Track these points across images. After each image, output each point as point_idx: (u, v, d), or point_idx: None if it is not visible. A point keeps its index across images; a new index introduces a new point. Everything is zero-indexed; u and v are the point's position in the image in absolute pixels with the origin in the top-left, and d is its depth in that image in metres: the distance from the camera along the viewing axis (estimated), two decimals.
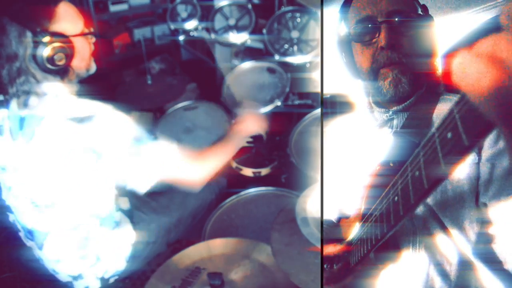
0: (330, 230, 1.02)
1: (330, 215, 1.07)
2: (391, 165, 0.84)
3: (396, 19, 0.87)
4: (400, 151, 0.87)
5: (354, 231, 0.90)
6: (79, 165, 1.17)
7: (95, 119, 1.15)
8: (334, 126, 1.11)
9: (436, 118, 0.89)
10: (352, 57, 0.96)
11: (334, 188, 1.06)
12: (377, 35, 0.88)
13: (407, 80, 0.89)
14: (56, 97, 1.18)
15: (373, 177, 0.88)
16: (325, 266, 0.94)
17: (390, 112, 0.95)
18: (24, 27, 1.12)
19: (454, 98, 0.89)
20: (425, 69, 0.91)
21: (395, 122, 0.95)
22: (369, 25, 0.89)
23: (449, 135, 0.43)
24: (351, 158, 1.03)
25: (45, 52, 1.14)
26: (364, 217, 0.82)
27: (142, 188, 1.25)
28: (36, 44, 1.13)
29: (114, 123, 1.18)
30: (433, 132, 0.47)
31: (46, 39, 1.13)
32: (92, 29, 1.26)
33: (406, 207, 0.58)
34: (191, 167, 1.29)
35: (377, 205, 0.73)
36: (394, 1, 0.89)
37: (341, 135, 1.09)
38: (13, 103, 1.19)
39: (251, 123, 1.54)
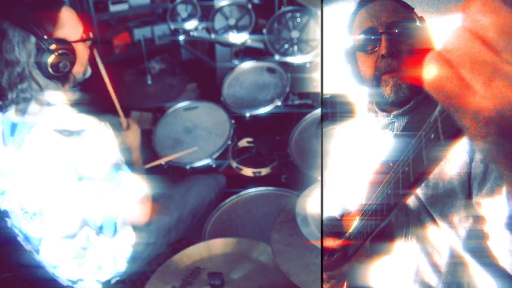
0: (334, 225, 1.07)
1: (334, 212, 1.11)
2: (391, 164, 0.88)
3: (396, 30, 0.94)
4: (399, 151, 0.91)
5: (353, 225, 0.95)
6: (63, 177, 1.17)
7: (83, 135, 1.14)
8: (340, 127, 1.15)
9: None
10: (357, 66, 1.02)
11: (337, 186, 1.09)
12: (378, 44, 0.95)
13: (407, 86, 0.94)
14: (51, 106, 1.16)
15: (374, 175, 0.92)
16: (325, 256, 0.99)
17: (391, 116, 1.00)
18: (28, 32, 1.10)
19: None
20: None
21: (396, 125, 1.01)
22: (371, 36, 0.96)
23: (432, 135, 0.48)
24: (355, 158, 1.07)
25: (50, 59, 1.12)
26: (363, 212, 0.87)
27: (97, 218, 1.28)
28: (40, 50, 1.11)
29: (99, 144, 1.17)
30: (420, 132, 0.52)
31: (52, 46, 1.11)
32: (91, 34, 1.25)
33: (396, 198, 0.66)
34: (143, 207, 1.32)
35: (373, 199, 0.79)
36: (393, 14, 0.96)
37: (346, 136, 1.13)
38: (11, 109, 1.17)
39: (134, 137, 1.54)
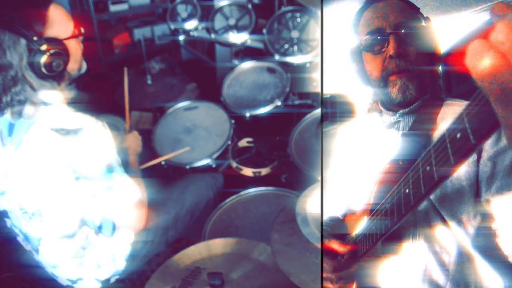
0: (336, 226, 1.07)
1: (336, 211, 1.10)
2: (400, 163, 0.89)
3: (403, 30, 0.94)
4: (407, 151, 0.93)
5: (361, 225, 0.95)
6: (61, 176, 1.16)
7: (80, 134, 1.13)
8: (342, 127, 1.16)
9: (439, 120, 0.94)
10: (363, 66, 1.02)
11: (340, 185, 1.09)
12: (386, 45, 0.95)
13: (414, 87, 0.95)
14: (47, 106, 1.16)
15: (383, 174, 0.93)
16: (330, 257, 0.99)
17: (397, 115, 1.01)
18: (18, 35, 1.08)
19: (457, 102, 0.95)
20: (429, 76, 0.99)
21: (401, 124, 1.01)
22: (379, 36, 0.96)
23: (458, 135, 0.49)
24: (360, 157, 1.07)
25: (43, 59, 1.11)
26: (373, 211, 0.87)
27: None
28: (31, 51, 1.10)
29: (95, 144, 1.16)
30: (444, 132, 0.53)
31: (44, 47, 1.11)
32: (82, 29, 1.24)
33: (417, 197, 0.65)
34: (139, 212, 1.31)
35: (387, 199, 0.78)
36: (400, 14, 0.96)
37: (349, 134, 1.13)
38: (7, 112, 1.17)
39: (133, 141, 1.53)
